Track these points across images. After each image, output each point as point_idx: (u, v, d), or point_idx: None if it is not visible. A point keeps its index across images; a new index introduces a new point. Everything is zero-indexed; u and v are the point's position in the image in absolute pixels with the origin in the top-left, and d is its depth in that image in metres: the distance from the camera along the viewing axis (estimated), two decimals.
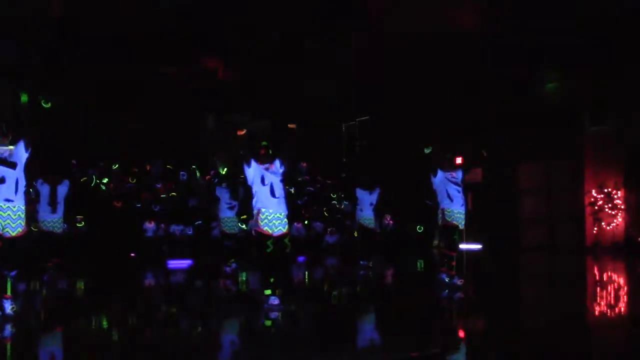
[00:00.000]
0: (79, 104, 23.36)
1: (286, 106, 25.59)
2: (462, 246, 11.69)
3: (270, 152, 9.60)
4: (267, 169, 9.43)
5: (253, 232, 9.46)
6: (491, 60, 21.21)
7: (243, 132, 9.85)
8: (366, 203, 15.69)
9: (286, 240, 9.34)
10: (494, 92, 22.30)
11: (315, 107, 26.07)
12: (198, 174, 22.50)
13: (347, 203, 23.74)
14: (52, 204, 13.24)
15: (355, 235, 19.17)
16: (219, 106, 25.24)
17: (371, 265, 15.36)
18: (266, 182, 9.30)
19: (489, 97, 22.50)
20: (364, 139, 28.84)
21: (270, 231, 9.24)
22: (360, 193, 15.78)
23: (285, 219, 9.39)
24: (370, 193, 15.69)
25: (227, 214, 14.99)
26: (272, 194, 9.30)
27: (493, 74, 21.70)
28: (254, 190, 9.36)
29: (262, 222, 9.23)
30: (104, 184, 20.78)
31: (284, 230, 9.31)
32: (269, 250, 9.22)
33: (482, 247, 21.70)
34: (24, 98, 24.68)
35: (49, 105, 8.93)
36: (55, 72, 23.07)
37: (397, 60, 22.69)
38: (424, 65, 22.25)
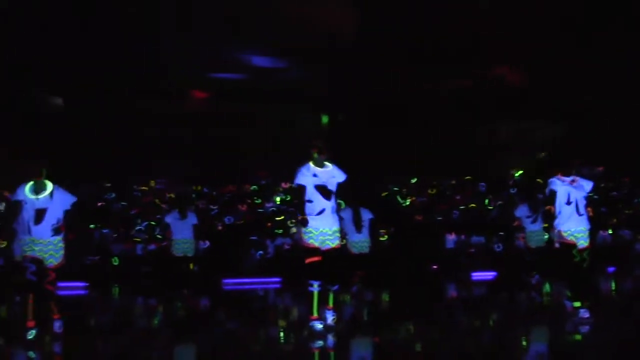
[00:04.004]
0: (371, 122, 24.22)
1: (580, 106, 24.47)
2: None
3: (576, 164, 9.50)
4: (572, 183, 9.24)
5: (556, 244, 9.43)
6: None
7: None
8: None
9: (585, 254, 9.21)
10: None
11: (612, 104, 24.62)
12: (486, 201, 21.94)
13: None
14: (357, 224, 13.67)
15: None
16: (510, 114, 24.81)
17: None
18: (571, 200, 9.18)
19: None
20: None
21: (575, 241, 9.19)
22: None
23: (588, 232, 9.28)
24: None
25: (531, 228, 14.30)
26: (577, 211, 9.20)
27: None
28: (557, 210, 9.30)
29: (565, 233, 9.17)
30: (404, 198, 21.24)
31: (586, 244, 9.21)
32: (576, 260, 9.15)
33: None
34: (325, 119, 26.08)
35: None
36: (348, 92, 24.13)
37: None
38: None
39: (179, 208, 14.36)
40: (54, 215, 8.27)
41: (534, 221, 14.17)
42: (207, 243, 17.86)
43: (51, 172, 8.34)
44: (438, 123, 24.01)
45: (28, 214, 8.22)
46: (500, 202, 21.24)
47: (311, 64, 24.03)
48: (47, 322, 8.41)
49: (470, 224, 19.85)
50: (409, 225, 19.49)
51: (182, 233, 14.09)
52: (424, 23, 22.73)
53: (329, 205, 8.63)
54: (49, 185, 8.31)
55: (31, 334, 8.19)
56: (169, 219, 14.33)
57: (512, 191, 21.82)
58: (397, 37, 22.89)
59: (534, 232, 14.13)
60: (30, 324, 8.21)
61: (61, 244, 8.36)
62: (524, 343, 8.41)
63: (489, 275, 17.18)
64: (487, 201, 21.62)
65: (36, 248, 8.22)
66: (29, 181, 8.29)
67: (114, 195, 21.07)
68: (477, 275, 17.17)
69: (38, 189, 8.27)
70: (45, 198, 8.25)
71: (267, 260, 17.84)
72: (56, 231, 8.28)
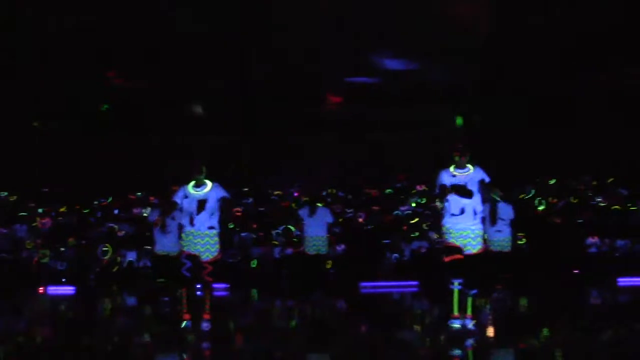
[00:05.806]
0: (512, 122, 23.77)
1: None
2: None
3: None
4: None
5: None
6: None
7: None
8: None
9: None
10: None
11: None
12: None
13: None
14: (492, 218, 13.45)
15: None
16: None
17: None
18: None
19: None
20: None
21: None
22: None
23: None
24: None
25: None
26: None
27: None
28: None
29: None
30: (542, 200, 20.67)
31: None
32: None
33: None
34: (459, 121, 25.80)
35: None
36: (488, 92, 23.78)
37: None
38: None
39: (309, 204, 14.63)
40: (213, 205, 9.09)
41: None
42: (343, 246, 18.02)
43: (210, 171, 9.27)
44: (579, 121, 23.38)
45: (191, 206, 9.07)
46: None
47: (447, 63, 23.90)
48: (198, 320, 9.04)
49: (614, 226, 19.08)
50: (548, 229, 18.95)
51: (314, 230, 14.29)
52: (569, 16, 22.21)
53: (469, 204, 8.56)
54: (209, 182, 9.17)
55: (184, 324, 9.07)
56: (302, 212, 14.61)
57: None
58: (537, 35, 22.42)
59: None
60: (186, 316, 9.12)
61: (217, 238, 9.17)
62: None
63: (637, 280, 16.43)
64: (629, 203, 20.73)
65: (195, 241, 9.05)
66: (191, 180, 9.19)
67: (251, 200, 21.59)
68: (624, 281, 16.45)
69: (199, 185, 9.13)
70: (206, 191, 9.10)
71: (403, 263, 17.80)
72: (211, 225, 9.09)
